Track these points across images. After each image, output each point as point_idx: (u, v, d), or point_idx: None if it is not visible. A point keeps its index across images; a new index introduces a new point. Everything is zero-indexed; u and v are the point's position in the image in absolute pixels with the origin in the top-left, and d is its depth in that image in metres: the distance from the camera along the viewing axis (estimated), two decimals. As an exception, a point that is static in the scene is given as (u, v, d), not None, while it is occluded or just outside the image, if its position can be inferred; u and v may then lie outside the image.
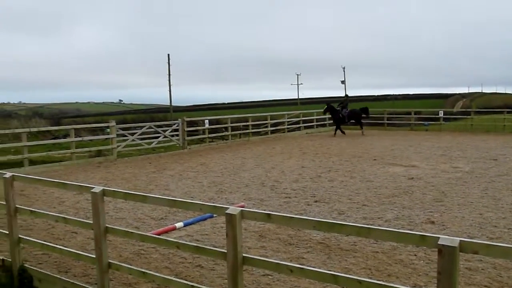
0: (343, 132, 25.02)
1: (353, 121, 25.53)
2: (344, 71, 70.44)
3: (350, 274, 4.81)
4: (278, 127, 26.31)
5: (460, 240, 3.16)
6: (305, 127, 27.96)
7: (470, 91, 78.02)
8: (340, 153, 17.52)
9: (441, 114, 30.83)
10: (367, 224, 7.45)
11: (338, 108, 25.01)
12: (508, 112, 30.21)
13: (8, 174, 5.86)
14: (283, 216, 3.99)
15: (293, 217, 3.96)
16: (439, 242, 3.16)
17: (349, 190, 10.74)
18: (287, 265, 3.96)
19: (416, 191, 10.55)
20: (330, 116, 25.84)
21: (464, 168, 13.72)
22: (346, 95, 27.28)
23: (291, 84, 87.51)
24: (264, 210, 6.86)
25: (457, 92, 77.03)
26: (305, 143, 21.73)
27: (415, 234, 3.43)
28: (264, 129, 25.12)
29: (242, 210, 4.05)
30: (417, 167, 13.84)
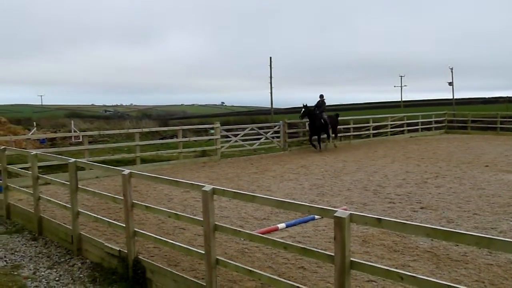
0: (319, 146, 20.25)
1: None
2: (452, 72, 66.77)
3: (463, 286, 4.53)
4: (381, 130, 25.59)
5: None
6: (409, 131, 26.89)
7: None
8: (447, 158, 16.64)
9: None
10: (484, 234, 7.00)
11: (317, 112, 19.88)
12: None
13: (126, 171, 6.29)
14: (395, 221, 3.85)
15: (406, 223, 3.81)
16: None
17: (458, 198, 10.15)
18: (397, 272, 3.82)
19: (536, 201, 9.72)
20: (308, 122, 20.34)
21: None
22: (321, 96, 20.42)
23: (394, 86, 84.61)
24: (377, 216, 6.71)
25: None
26: (409, 147, 20.94)
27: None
28: (365, 132, 24.55)
29: (351, 213, 3.98)
30: (536, 175, 12.76)
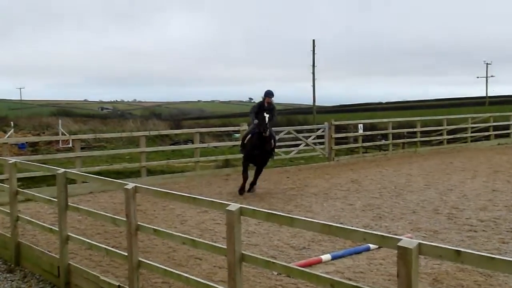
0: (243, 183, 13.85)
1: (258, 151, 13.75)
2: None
3: None
4: (457, 135, 25.28)
5: None
6: (497, 136, 26.45)
7: None
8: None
9: None
10: None
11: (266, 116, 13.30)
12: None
13: (130, 184, 6.37)
14: (480, 255, 3.78)
15: (495, 257, 3.73)
16: None
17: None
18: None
19: None
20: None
21: None
22: (270, 94, 13.80)
23: (477, 77, 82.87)
24: (456, 247, 6.62)
25: None
26: (497, 158, 20.64)
27: None
28: (437, 138, 24.30)
29: (420, 242, 3.93)
30: None
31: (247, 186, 13.89)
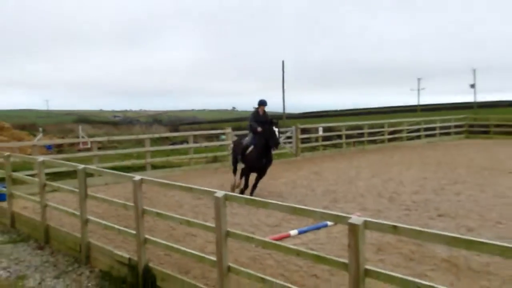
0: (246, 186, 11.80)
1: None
2: (474, 73, 66.34)
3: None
4: (396, 135, 25.52)
5: None
6: (426, 136, 26.76)
7: None
8: (468, 165, 16.54)
9: None
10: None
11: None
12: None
13: (137, 177, 6.36)
14: (412, 228, 3.87)
15: (423, 230, 3.82)
16: None
17: (479, 206, 10.08)
18: (414, 281, 3.83)
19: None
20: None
21: None
22: (264, 103, 12.01)
23: (411, 90, 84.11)
24: (393, 222, 6.70)
25: None
26: (427, 153, 20.85)
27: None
28: (380, 137, 24.49)
29: (365, 220, 4.01)
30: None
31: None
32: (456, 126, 28.60)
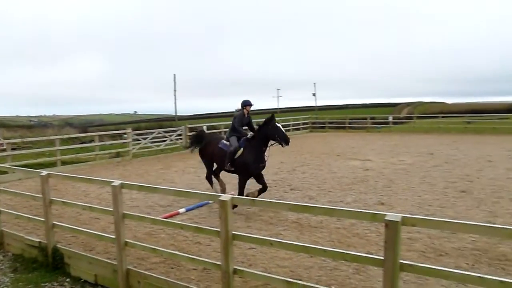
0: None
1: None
2: (315, 86, 71.45)
3: (317, 245, 4.85)
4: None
5: (402, 216, 3.23)
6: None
7: (413, 100, 79.29)
8: (311, 151, 17.59)
9: (390, 118, 31.26)
10: (332, 206, 7.52)
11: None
12: (442, 117, 30.62)
13: (44, 172, 5.81)
14: (265, 200, 4.02)
15: (272, 201, 4.00)
16: (386, 218, 3.22)
17: (318, 180, 10.81)
18: (268, 239, 3.99)
19: (370, 180, 10.67)
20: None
21: (408, 161, 13.90)
22: (248, 103, 8.72)
23: (272, 97, 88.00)
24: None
25: (403, 102, 77.77)
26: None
27: (368, 212, 3.50)
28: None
29: (232, 197, 4.07)
30: (371, 161, 13.99)
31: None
32: (303, 124, 30.31)
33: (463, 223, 3.17)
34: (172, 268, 5.27)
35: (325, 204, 8.21)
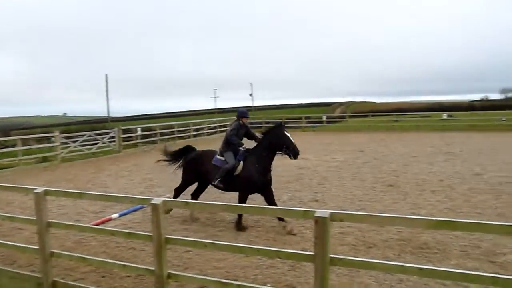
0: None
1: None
2: (251, 86, 72.25)
3: (252, 245, 4.90)
4: (199, 132, 26.12)
5: (330, 212, 3.35)
6: (221, 131, 27.97)
7: (345, 100, 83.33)
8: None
9: (324, 118, 32.44)
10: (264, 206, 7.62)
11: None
12: (372, 116, 32.35)
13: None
14: (198, 202, 3.99)
15: (206, 203, 3.97)
16: (315, 215, 3.33)
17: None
18: (202, 241, 3.95)
19: (305, 178, 10.98)
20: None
21: (340, 158, 14.51)
22: (244, 114, 7.81)
23: (210, 97, 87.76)
24: (187, 200, 6.77)
25: (337, 101, 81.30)
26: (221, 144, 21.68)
27: (299, 210, 3.59)
28: (188, 134, 24.76)
29: (164, 199, 3.99)
30: (306, 159, 14.39)
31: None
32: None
33: (386, 216, 3.37)
34: (103, 276, 5.04)
35: (262, 203, 8.30)
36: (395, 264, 3.30)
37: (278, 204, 7.37)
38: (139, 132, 21.44)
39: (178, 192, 7.71)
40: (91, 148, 18.46)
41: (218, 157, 7.38)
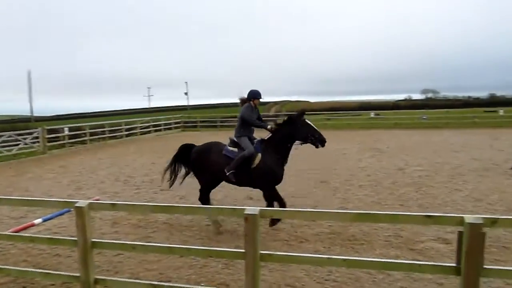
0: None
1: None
2: (187, 85, 71.55)
3: (187, 245, 4.84)
4: (132, 131, 25.25)
5: (260, 209, 3.41)
6: (155, 131, 27.30)
7: (281, 99, 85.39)
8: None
9: (260, 116, 32.86)
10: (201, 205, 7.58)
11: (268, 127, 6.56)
12: (306, 114, 33.27)
13: None
14: (126, 204, 3.86)
15: (134, 204, 3.85)
16: (245, 212, 3.37)
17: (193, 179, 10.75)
18: (130, 244, 3.84)
19: (240, 176, 11.05)
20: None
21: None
22: (256, 95, 6.66)
23: (143, 96, 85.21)
24: (116, 201, 6.53)
25: (272, 100, 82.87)
26: (155, 144, 21.23)
27: (228, 208, 3.61)
28: (120, 134, 23.84)
29: (90, 202, 3.81)
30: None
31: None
32: (175, 123, 30.00)
33: (314, 211, 3.50)
34: (24, 287, 4.70)
35: (196, 203, 8.23)
36: (322, 257, 3.44)
37: (213, 204, 7.37)
38: (67, 132, 20.24)
39: (203, 195, 6.79)
40: (11, 150, 17.12)
41: (230, 148, 6.56)
